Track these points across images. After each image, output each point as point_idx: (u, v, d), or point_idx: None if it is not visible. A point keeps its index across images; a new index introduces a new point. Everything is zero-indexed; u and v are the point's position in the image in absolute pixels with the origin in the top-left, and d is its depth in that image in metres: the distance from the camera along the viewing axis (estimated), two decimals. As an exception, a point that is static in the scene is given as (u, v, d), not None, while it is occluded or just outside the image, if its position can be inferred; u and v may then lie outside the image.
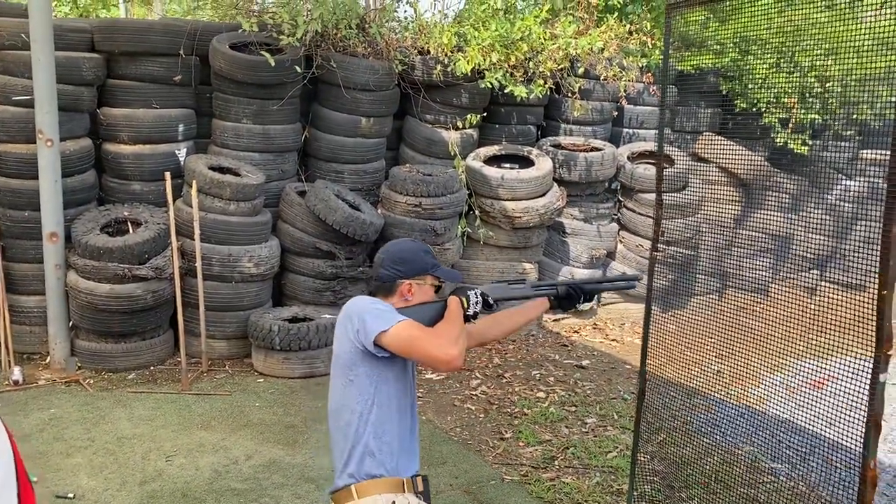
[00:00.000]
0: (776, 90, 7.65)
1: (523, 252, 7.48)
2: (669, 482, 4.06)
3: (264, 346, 5.92)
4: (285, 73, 6.47)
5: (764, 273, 7.25)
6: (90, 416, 5.10)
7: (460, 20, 7.89)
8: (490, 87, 7.06)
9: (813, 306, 3.21)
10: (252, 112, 6.59)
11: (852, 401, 2.72)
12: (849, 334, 2.78)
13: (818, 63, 6.71)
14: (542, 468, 4.59)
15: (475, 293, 2.43)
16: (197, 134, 6.76)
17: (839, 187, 8.11)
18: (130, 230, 6.12)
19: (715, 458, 3.94)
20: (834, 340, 2.92)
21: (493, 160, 7.48)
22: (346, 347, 2.28)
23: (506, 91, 7.11)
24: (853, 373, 2.71)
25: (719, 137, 7.99)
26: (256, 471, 4.44)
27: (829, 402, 2.97)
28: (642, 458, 3.94)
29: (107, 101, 6.45)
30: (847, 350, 2.81)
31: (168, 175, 5.98)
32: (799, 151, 7.77)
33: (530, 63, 7.25)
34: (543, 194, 7.29)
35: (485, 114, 7.60)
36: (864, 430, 2.48)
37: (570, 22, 7.62)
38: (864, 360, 2.59)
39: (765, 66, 7.46)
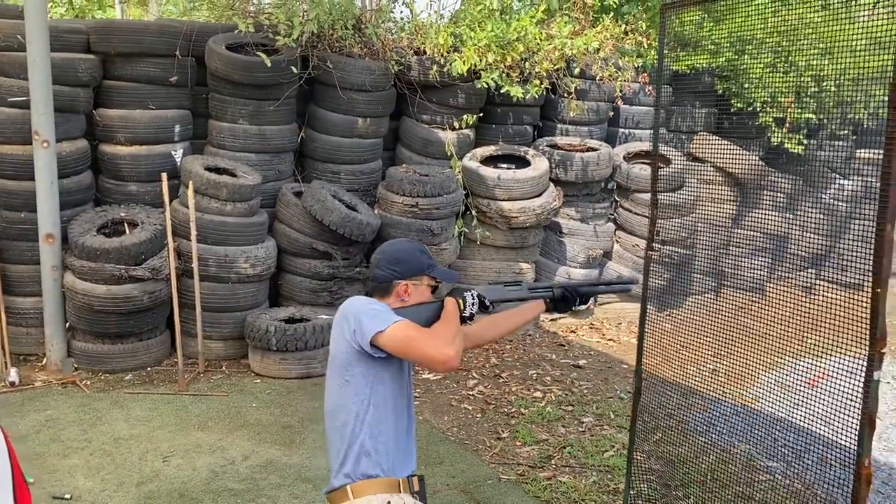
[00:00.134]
0: (771, 90, 7.68)
1: (520, 252, 7.49)
2: (666, 481, 4.07)
3: (261, 347, 5.93)
4: (281, 73, 6.47)
5: (760, 272, 7.27)
6: (87, 417, 5.10)
7: (456, 20, 7.89)
8: (486, 87, 7.07)
9: (809, 305, 3.22)
10: (248, 113, 6.59)
11: (847, 399, 2.73)
12: (844, 333, 2.79)
13: (813, 63, 6.74)
14: (539, 467, 4.60)
15: (471, 294, 2.44)
16: (193, 135, 6.76)
17: (834, 186, 8.14)
18: (127, 231, 6.12)
19: (711, 456, 3.95)
20: (829, 339, 2.93)
21: (489, 160, 7.50)
22: (343, 348, 2.29)
23: (502, 91, 7.12)
24: (848, 371, 2.72)
25: (715, 137, 8.02)
26: (253, 471, 4.44)
27: (824, 400, 2.99)
28: (639, 457, 3.95)
29: (103, 102, 6.45)
30: (842, 349, 2.82)
31: (164, 176, 5.97)
32: (794, 151, 7.80)
33: (526, 63, 7.26)
34: (540, 194, 7.30)
35: (481, 114, 7.61)
36: (858, 428, 2.49)
37: (565, 22, 7.63)
38: (859, 359, 2.60)
39: (760, 65, 7.48)
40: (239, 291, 6.19)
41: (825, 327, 2.94)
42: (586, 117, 7.88)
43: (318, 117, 6.99)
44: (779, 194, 7.52)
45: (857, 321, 2.67)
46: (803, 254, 7.18)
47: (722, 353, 3.66)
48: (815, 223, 5.92)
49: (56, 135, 5.80)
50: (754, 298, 5.91)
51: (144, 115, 6.42)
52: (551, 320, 7.59)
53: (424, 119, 7.39)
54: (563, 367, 6.47)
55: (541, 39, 7.33)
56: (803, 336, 3.20)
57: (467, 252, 7.42)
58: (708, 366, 3.76)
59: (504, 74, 7.12)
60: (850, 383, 2.69)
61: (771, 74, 7.52)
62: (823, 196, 7.87)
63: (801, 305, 3.31)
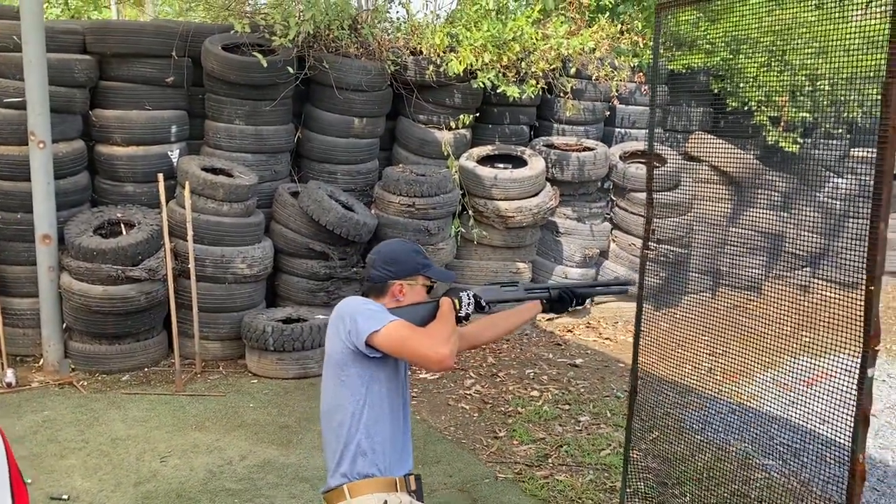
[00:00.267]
0: (766, 89, 7.70)
1: (517, 252, 7.50)
2: (662, 479, 4.08)
3: (258, 347, 5.93)
4: (278, 73, 6.48)
5: (756, 271, 7.28)
6: (84, 417, 5.10)
7: (452, 21, 7.90)
8: (482, 87, 7.08)
9: (805, 304, 3.23)
10: (244, 113, 6.59)
11: (843, 397, 2.74)
12: (840, 331, 2.80)
13: (808, 62, 6.75)
14: (536, 466, 4.61)
15: (467, 294, 2.45)
16: (189, 135, 6.76)
17: (829, 185, 8.16)
18: (123, 232, 6.12)
19: (707, 454, 3.97)
20: (825, 338, 2.95)
21: (486, 160, 7.51)
22: (338, 348, 2.30)
23: (498, 91, 7.13)
24: (845, 369, 2.73)
25: (711, 136, 8.03)
26: (251, 471, 4.45)
27: (820, 398, 3.00)
28: (635, 455, 3.96)
29: (99, 103, 6.45)
30: (839, 347, 2.84)
31: (161, 176, 5.98)
32: (790, 150, 7.82)
33: (522, 63, 7.27)
34: (536, 194, 7.32)
35: (477, 114, 7.62)
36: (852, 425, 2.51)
37: (561, 22, 7.65)
38: (855, 357, 2.62)
39: (755, 65, 7.50)
40: (236, 292, 6.19)
41: (821, 326, 2.95)
42: (582, 117, 7.90)
43: (314, 117, 7.00)
44: (774, 193, 7.54)
45: (853, 319, 2.68)
46: (799, 252, 7.20)
47: (718, 351, 3.68)
48: (810, 222, 5.94)
49: (52, 135, 5.80)
50: (750, 297, 5.93)
51: (141, 115, 6.42)
52: (548, 320, 7.60)
53: (421, 119, 7.40)
54: (559, 366, 6.48)
55: (537, 39, 7.34)
56: (799, 335, 3.22)
57: (464, 252, 7.43)
58: (704, 364, 3.77)
59: (500, 74, 7.13)
60: (845, 381, 2.70)
61: (766, 74, 7.54)
62: (818, 195, 7.89)
63: (798, 304, 3.32)
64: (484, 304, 2.51)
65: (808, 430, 3.16)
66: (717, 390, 4.06)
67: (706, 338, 3.66)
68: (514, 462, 4.67)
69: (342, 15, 6.90)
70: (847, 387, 2.67)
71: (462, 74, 7.01)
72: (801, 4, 3.20)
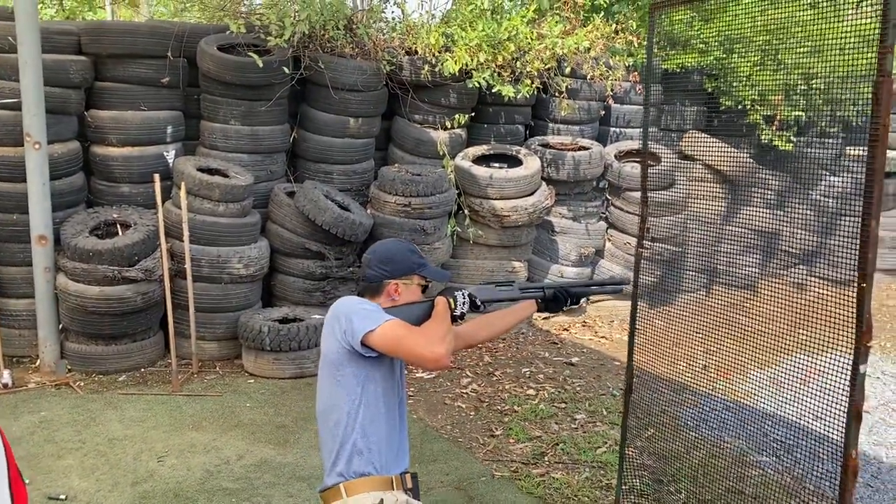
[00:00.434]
0: (760, 88, 7.72)
1: (513, 251, 7.52)
2: (658, 476, 4.10)
3: (254, 347, 5.94)
4: (273, 74, 6.48)
5: (751, 269, 7.31)
6: (81, 418, 5.11)
7: (447, 20, 7.92)
8: (478, 86, 7.09)
9: (799, 302, 3.25)
10: (240, 113, 6.60)
11: (837, 394, 2.76)
12: (835, 329, 2.82)
13: (802, 61, 6.78)
14: (532, 464, 4.63)
15: (462, 294, 2.46)
16: (185, 136, 6.77)
17: (823, 184, 8.19)
18: (119, 232, 6.12)
19: (702, 451, 3.99)
20: (820, 335, 2.96)
21: (481, 160, 7.52)
22: (334, 347, 2.30)
23: (493, 91, 7.15)
24: (839, 366, 2.75)
25: (705, 135, 8.06)
26: (248, 470, 4.46)
27: (814, 395, 3.02)
28: (631, 453, 3.98)
29: (94, 104, 6.45)
30: (833, 344, 2.85)
31: (157, 177, 5.98)
32: (784, 148, 7.85)
33: (517, 63, 7.29)
34: (532, 193, 7.34)
35: (473, 114, 7.63)
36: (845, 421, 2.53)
37: (556, 22, 7.67)
38: (848, 354, 2.64)
39: (749, 64, 7.52)
40: (232, 292, 6.20)
41: (815, 323, 2.97)
42: (577, 116, 7.92)
43: (310, 117, 7.01)
44: (768, 192, 7.57)
45: (846, 316, 2.70)
46: (794, 251, 7.23)
47: (713, 349, 3.70)
48: (805, 220, 5.96)
49: (48, 136, 5.80)
50: (745, 295, 5.95)
51: (136, 116, 6.42)
52: (544, 318, 7.62)
53: (416, 119, 7.42)
54: (556, 364, 6.50)
55: (532, 39, 7.36)
56: (795, 333, 3.23)
57: (460, 251, 7.44)
58: (699, 362, 3.79)
59: (495, 74, 7.15)
60: (839, 378, 2.72)
61: (759, 73, 7.57)
62: (813, 193, 7.92)
63: (792, 302, 3.34)
64: (479, 303, 2.52)
65: (802, 427, 3.18)
66: (712, 388, 4.08)
67: (701, 336, 3.68)
68: (511, 460, 4.69)
69: (337, 15, 6.91)
70: (840, 383, 2.70)
71: (457, 74, 7.02)
72: (795, 3, 3.22)
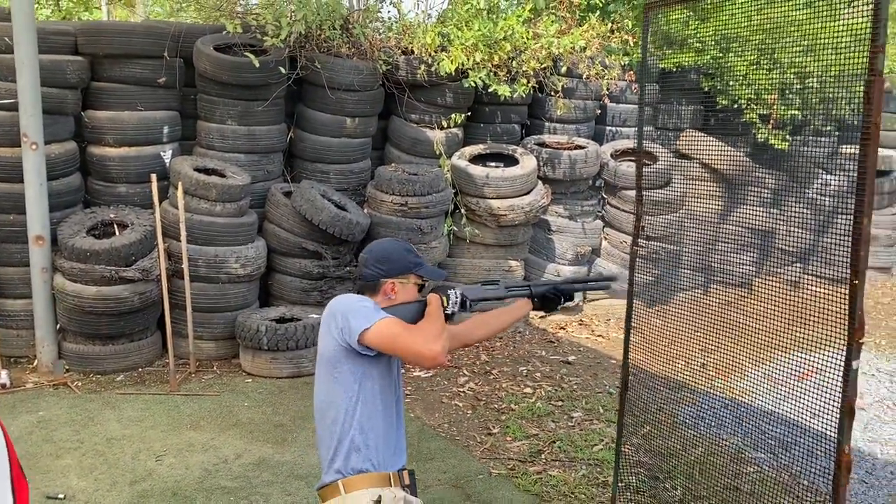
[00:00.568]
0: (756, 87, 7.75)
1: (509, 250, 7.54)
2: (654, 473, 4.12)
3: (252, 347, 5.95)
4: (270, 74, 6.49)
5: (747, 267, 7.33)
6: (79, 417, 5.12)
7: (444, 20, 7.93)
8: (474, 86, 7.11)
9: (795, 300, 3.27)
10: (237, 113, 6.61)
11: (832, 391, 2.78)
12: (830, 326, 2.84)
13: (797, 60, 6.80)
14: (529, 462, 4.65)
15: (455, 292, 2.47)
16: (182, 136, 6.77)
17: (819, 182, 8.22)
18: (117, 232, 6.13)
19: (699, 449, 4.01)
20: (816, 333, 2.98)
21: (478, 159, 7.54)
22: (331, 345, 2.32)
23: (490, 90, 7.17)
24: (835, 364, 2.77)
25: (701, 134, 8.08)
26: (246, 469, 4.47)
27: (810, 393, 3.04)
28: (627, 450, 4.00)
29: (91, 104, 6.46)
30: (828, 342, 2.87)
31: (154, 177, 5.99)
32: (779, 147, 7.87)
33: (513, 62, 7.31)
34: (528, 192, 7.36)
35: (469, 113, 7.65)
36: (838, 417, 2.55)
37: (552, 21, 7.69)
38: (843, 351, 2.65)
39: (745, 63, 7.55)
40: (229, 291, 6.21)
41: (811, 321, 2.99)
42: (574, 115, 7.94)
43: (306, 117, 7.02)
44: (764, 190, 7.59)
45: (841, 314, 2.72)
46: (789, 249, 7.26)
47: (710, 347, 3.71)
48: (800, 218, 5.98)
49: (45, 137, 5.80)
50: (741, 293, 5.97)
51: (133, 116, 6.43)
52: (541, 317, 7.65)
53: (413, 118, 7.43)
54: (552, 363, 6.52)
55: (527, 38, 7.38)
56: (791, 330, 3.25)
57: (457, 250, 7.46)
58: (696, 360, 3.81)
59: (491, 73, 7.16)
60: (833, 375, 2.74)
61: (755, 72, 7.60)
62: (808, 191, 7.95)
63: (788, 300, 3.36)
64: (468, 303, 2.53)
65: (798, 424, 3.20)
66: (708, 385, 4.10)
67: (697, 334, 3.70)
68: (508, 458, 4.71)
69: (333, 15, 6.93)
70: (834, 380, 2.71)
71: (453, 74, 7.04)
72: (790, 3, 3.24)
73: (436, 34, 7.16)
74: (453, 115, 7.36)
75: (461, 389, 5.87)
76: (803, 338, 3.08)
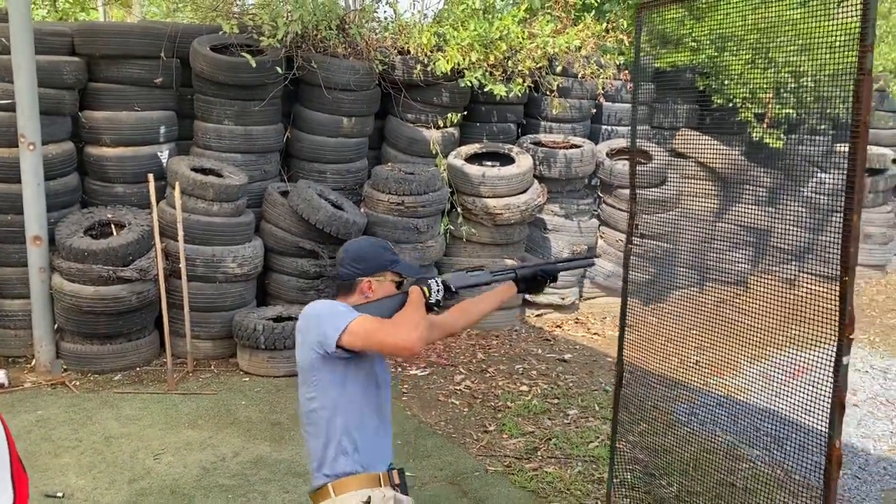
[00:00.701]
0: (751, 86, 7.78)
1: (505, 248, 7.56)
2: (650, 470, 4.16)
3: (249, 346, 5.97)
4: (266, 74, 6.51)
5: (742, 265, 7.37)
6: (77, 416, 5.14)
7: (439, 20, 7.97)
8: (470, 86, 7.13)
9: (790, 297, 3.30)
10: (234, 113, 6.63)
11: (825, 387, 2.81)
12: (825, 323, 2.86)
13: (792, 59, 6.84)
14: (525, 459, 4.68)
15: (436, 281, 2.46)
16: (179, 136, 6.79)
17: (814, 180, 8.26)
18: (114, 232, 6.15)
19: (694, 445, 4.04)
20: (809, 330, 3.01)
21: (474, 158, 7.57)
22: (308, 354, 2.32)
23: (485, 90, 7.19)
24: (828, 361, 2.80)
25: (697, 133, 8.11)
26: (244, 467, 4.50)
27: (804, 389, 3.07)
28: (623, 447, 4.03)
29: (88, 105, 6.47)
30: (823, 339, 2.90)
31: (151, 177, 6.01)
32: (775, 146, 7.91)
33: (509, 62, 7.34)
34: (524, 191, 7.39)
35: (465, 112, 7.68)
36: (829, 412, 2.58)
37: (547, 21, 7.72)
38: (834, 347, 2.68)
39: (740, 62, 7.58)
40: (227, 291, 6.23)
41: (807, 319, 3.02)
42: (569, 115, 7.97)
43: (303, 117, 7.04)
44: (760, 189, 7.63)
45: (833, 310, 2.74)
46: (784, 247, 7.29)
47: (705, 344, 3.74)
48: (795, 216, 6.01)
49: (42, 137, 5.82)
50: (737, 291, 6.00)
51: (130, 116, 6.45)
52: (537, 315, 7.68)
53: (409, 118, 7.46)
54: (548, 361, 6.56)
55: (523, 38, 7.41)
56: (786, 328, 3.28)
57: (453, 249, 7.48)
58: (691, 357, 3.84)
59: (487, 73, 7.19)
60: (826, 372, 2.77)
61: (750, 71, 7.63)
62: (803, 190, 7.98)
63: (783, 297, 3.39)
64: (454, 290, 2.52)
65: (791, 421, 3.23)
66: (703, 383, 4.13)
67: (692, 331, 3.73)
68: (504, 455, 4.74)
69: (330, 15, 6.95)
70: (827, 376, 2.74)
71: (449, 73, 7.06)
72: (785, 2, 3.26)
73: (432, 34, 7.19)
74: (449, 115, 7.38)
75: (458, 387, 5.90)
76: (797, 335, 3.11)
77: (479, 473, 4.50)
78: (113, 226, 6.21)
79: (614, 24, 8.18)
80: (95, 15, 12.95)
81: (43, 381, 5.77)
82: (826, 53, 2.89)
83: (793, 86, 7.47)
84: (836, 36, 2.78)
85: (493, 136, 7.87)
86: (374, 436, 2.38)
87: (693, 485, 3.89)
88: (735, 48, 7.29)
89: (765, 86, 7.65)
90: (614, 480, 3.98)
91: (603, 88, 7.89)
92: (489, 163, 7.58)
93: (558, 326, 7.58)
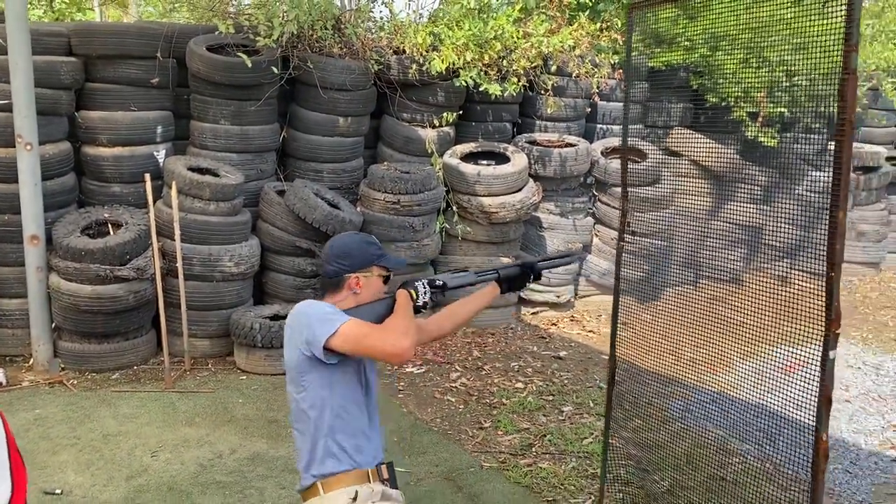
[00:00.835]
0: (745, 85, 7.82)
1: (501, 247, 7.60)
2: (643, 466, 4.20)
3: (246, 344, 6.01)
4: (262, 74, 6.55)
5: (735, 263, 7.41)
6: (75, 415, 5.17)
7: (435, 20, 8.00)
8: (465, 85, 7.17)
9: (781, 294, 3.33)
10: (230, 113, 6.66)
11: (815, 383, 2.85)
12: (813, 320, 2.90)
13: (786, 58, 6.87)
14: (520, 455, 4.72)
15: (423, 283, 2.46)
16: (175, 135, 6.82)
17: (808, 179, 8.30)
18: (111, 232, 6.18)
19: (686, 441, 4.08)
20: (801, 327, 3.05)
21: (469, 157, 7.61)
22: (296, 356, 2.32)
23: (481, 89, 7.23)
24: (818, 357, 2.83)
25: (690, 132, 8.16)
26: (241, 464, 4.53)
27: (795, 385, 3.10)
28: (616, 443, 4.07)
29: (85, 105, 6.50)
30: (812, 335, 2.94)
31: (148, 177, 6.04)
32: (769, 144, 7.95)
33: (504, 61, 7.38)
34: (519, 190, 7.43)
35: (461, 112, 7.72)
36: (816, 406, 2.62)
37: (542, 20, 7.76)
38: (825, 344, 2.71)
39: (733, 61, 7.62)
40: (223, 290, 6.26)
41: (800, 315, 3.05)
42: (564, 114, 8.01)
43: (299, 117, 7.08)
44: (754, 187, 7.67)
45: (824, 308, 2.77)
46: (778, 244, 7.34)
47: (697, 341, 3.78)
48: (789, 215, 6.05)
49: (39, 137, 5.84)
50: (729, 288, 6.04)
51: (126, 116, 6.47)
52: (533, 313, 7.72)
53: (405, 117, 7.49)
54: (544, 358, 6.60)
55: (518, 38, 7.45)
56: (777, 324, 3.32)
57: (449, 247, 7.52)
58: (684, 354, 3.88)
59: (482, 72, 7.23)
60: (817, 368, 2.80)
61: (744, 70, 7.67)
62: (797, 188, 8.02)
63: (774, 295, 3.42)
64: (440, 283, 2.52)
65: (782, 416, 3.27)
66: (696, 379, 4.17)
67: (685, 328, 3.77)
68: (499, 451, 4.78)
69: (325, 15, 6.98)
70: (815, 372, 2.78)
71: (445, 73, 7.10)
72: (777, 1, 3.30)
73: (427, 34, 7.23)
74: (445, 114, 7.42)
75: (453, 385, 5.94)
76: (789, 332, 3.15)
77: (475, 469, 4.54)
78: (110, 225, 6.24)
79: (609, 24, 8.22)
80: (92, 15, 12.96)
81: (41, 379, 5.80)
82: (818, 52, 2.93)
83: (786, 84, 7.51)
84: (826, 35, 2.82)
85: (489, 135, 7.91)
86: (363, 435, 2.39)
87: (685, 480, 3.94)
88: (728, 47, 7.33)
89: (758, 84, 7.69)
90: (608, 476, 4.03)
91: (598, 87, 7.93)
92: (485, 161, 7.62)
93: (554, 324, 7.62)
